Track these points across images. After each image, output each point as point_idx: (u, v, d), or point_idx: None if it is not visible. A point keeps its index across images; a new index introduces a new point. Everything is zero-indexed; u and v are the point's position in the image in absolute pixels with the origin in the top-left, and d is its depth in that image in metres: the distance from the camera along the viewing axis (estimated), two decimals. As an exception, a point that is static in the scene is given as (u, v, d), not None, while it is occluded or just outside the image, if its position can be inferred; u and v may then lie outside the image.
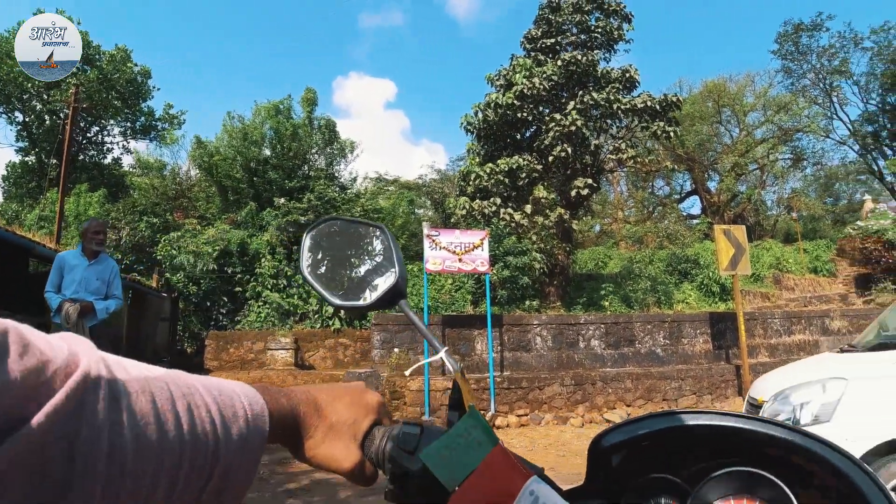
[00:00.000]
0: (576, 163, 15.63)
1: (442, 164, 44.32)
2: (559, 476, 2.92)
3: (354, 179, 23.56)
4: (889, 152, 28.95)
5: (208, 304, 16.25)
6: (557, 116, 14.91)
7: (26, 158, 27.19)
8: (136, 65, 27.27)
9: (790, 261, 20.98)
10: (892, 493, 0.65)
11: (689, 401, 10.89)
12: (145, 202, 19.66)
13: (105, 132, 28.65)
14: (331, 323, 14.26)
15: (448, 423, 0.71)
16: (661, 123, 15.60)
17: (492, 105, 15.42)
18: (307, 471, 6.65)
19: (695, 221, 29.03)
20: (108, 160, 28.47)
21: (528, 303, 13.54)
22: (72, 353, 0.44)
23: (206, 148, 20.02)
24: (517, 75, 15.52)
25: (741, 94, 31.37)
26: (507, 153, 16.00)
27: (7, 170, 27.33)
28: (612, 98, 15.33)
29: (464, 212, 14.96)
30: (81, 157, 27.03)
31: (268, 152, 20.04)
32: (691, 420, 0.76)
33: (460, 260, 10.09)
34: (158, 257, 16.25)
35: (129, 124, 28.69)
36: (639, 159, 16.59)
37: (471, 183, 15.39)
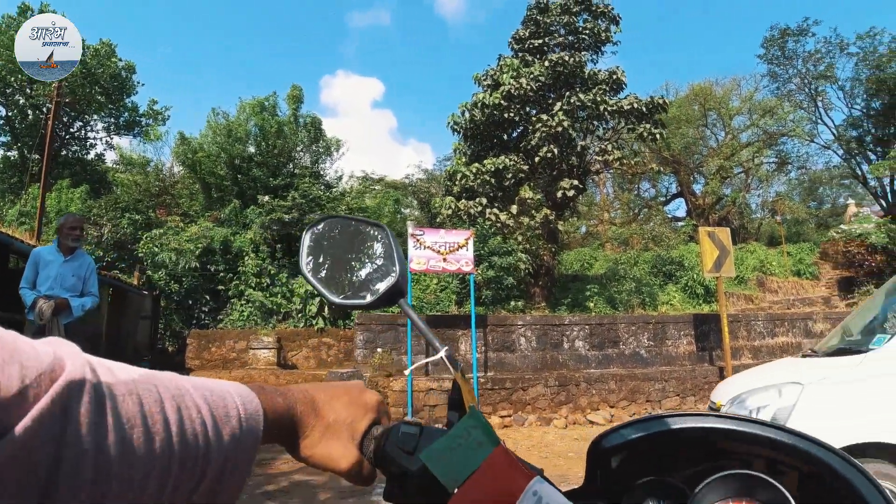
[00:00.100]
0: (562, 164, 15.63)
1: (429, 164, 44.34)
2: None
3: (340, 178, 23.44)
4: (873, 157, 29.18)
5: (190, 302, 16.10)
6: (544, 117, 14.90)
7: (8, 153, 26.81)
8: (120, 60, 26.95)
9: (774, 263, 21.10)
10: (889, 495, 0.65)
11: (673, 402, 10.91)
12: (128, 199, 19.44)
13: (88, 127, 28.29)
14: (314, 322, 14.15)
15: (448, 423, 0.72)
16: (648, 125, 15.63)
17: (479, 105, 15.38)
18: (286, 472, 6.58)
19: (680, 224, 29.17)
20: (91, 156, 28.14)
21: (512, 303, 13.51)
22: (57, 357, 0.43)
23: (190, 144, 19.83)
24: (504, 75, 15.49)
25: (727, 97, 31.56)
26: (493, 153, 15.96)
27: (-11, 165, 27.00)
28: (599, 99, 15.34)
29: (449, 211, 14.91)
30: (64, 152, 26.69)
31: (252, 149, 19.86)
32: (691, 423, 0.76)
33: (445, 260, 10.05)
34: (140, 255, 16.07)
35: (112, 120, 28.34)
36: (625, 161, 16.59)
37: (457, 183, 15.34)
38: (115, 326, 14.45)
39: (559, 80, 15.88)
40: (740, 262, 19.14)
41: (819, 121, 31.44)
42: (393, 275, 0.81)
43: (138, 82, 28.29)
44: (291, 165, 20.46)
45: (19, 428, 0.38)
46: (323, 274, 0.86)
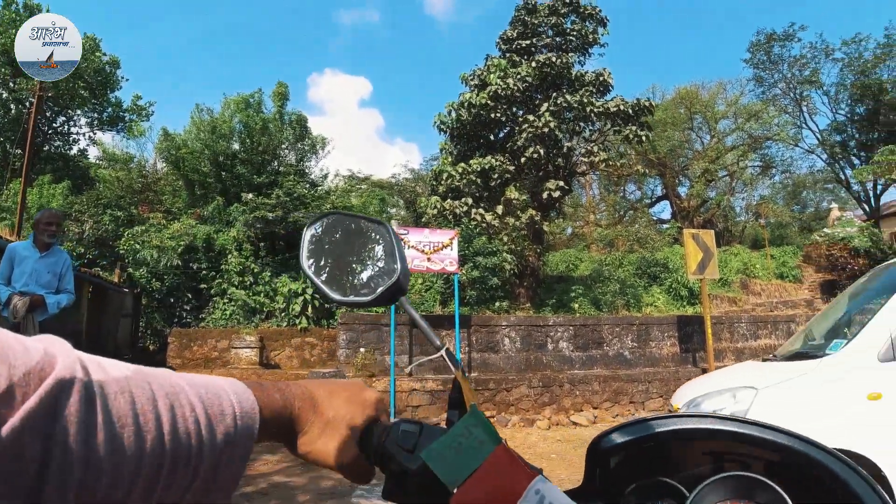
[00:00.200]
0: (548, 165, 15.63)
1: (416, 164, 44.15)
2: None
3: (325, 176, 23.25)
4: (856, 162, 29.50)
5: (172, 300, 15.92)
6: (531, 118, 14.89)
7: (-10, 148, 26.49)
8: (104, 54, 26.65)
9: (757, 266, 21.24)
10: (888, 497, 0.65)
11: (656, 404, 10.92)
12: (110, 195, 19.16)
13: (72, 122, 27.95)
14: (297, 322, 14.02)
15: (448, 422, 0.72)
16: (634, 128, 15.66)
17: (465, 104, 15.35)
18: (265, 473, 6.51)
19: (665, 226, 29.33)
20: (74, 151, 27.83)
21: (497, 304, 13.47)
22: (48, 354, 0.43)
23: (174, 140, 19.57)
24: (492, 75, 15.46)
25: (713, 101, 31.79)
26: (479, 153, 15.94)
27: (-31, 160, 26.59)
28: (586, 101, 15.35)
29: (435, 211, 14.87)
30: (47, 147, 26.37)
31: (237, 146, 19.63)
32: (689, 424, 0.76)
33: (429, 259, 10.01)
34: (121, 252, 15.88)
35: (96, 115, 27.98)
36: (611, 163, 16.63)
37: (443, 182, 15.30)
38: (95, 324, 14.27)
39: (546, 81, 15.88)
40: (724, 265, 19.24)
41: (803, 125, 31.82)
42: (394, 272, 0.81)
43: (122, 77, 28.01)
44: (276, 163, 20.28)
45: (7, 427, 0.38)
46: (324, 271, 0.86)
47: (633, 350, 12.34)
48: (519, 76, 15.20)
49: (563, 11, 16.68)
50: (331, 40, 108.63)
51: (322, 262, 0.87)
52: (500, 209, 14.74)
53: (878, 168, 22.49)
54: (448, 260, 10.11)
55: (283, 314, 14.40)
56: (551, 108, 14.98)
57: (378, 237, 0.86)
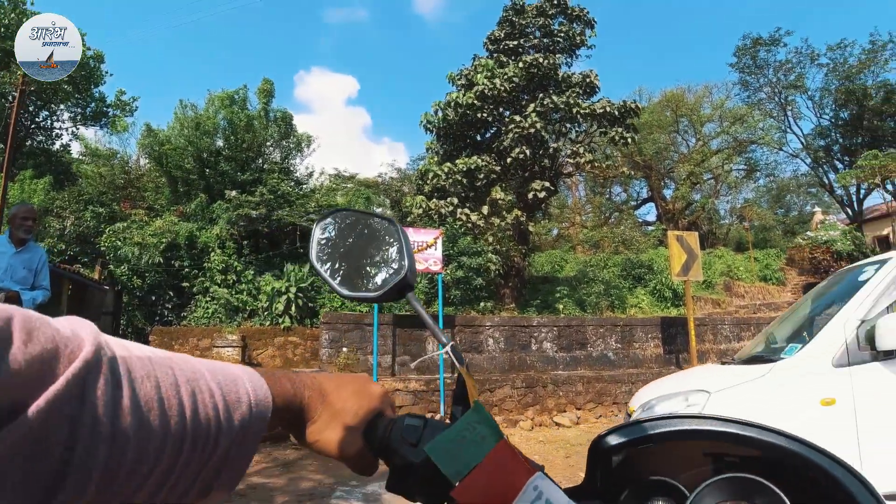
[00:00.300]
0: (534, 165, 15.63)
1: (402, 163, 43.99)
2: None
3: (311, 174, 23.08)
4: (840, 166, 29.75)
5: (153, 298, 15.71)
6: (517, 118, 14.89)
7: (-30, 142, 26.12)
8: (88, 49, 26.32)
9: (741, 269, 21.38)
10: (885, 500, 0.65)
11: (639, 406, 10.90)
12: (92, 191, 18.91)
13: (55, 117, 27.62)
14: (280, 321, 13.89)
15: (451, 417, 0.72)
16: (620, 129, 15.71)
17: (452, 104, 15.32)
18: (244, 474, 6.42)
19: (650, 228, 29.48)
20: (57, 146, 27.49)
21: (482, 304, 13.44)
22: (76, 336, 0.44)
23: (157, 137, 19.32)
24: (479, 75, 15.44)
25: (699, 104, 31.94)
26: (465, 153, 15.92)
27: (-52, 154, 26.18)
28: (572, 102, 15.38)
29: (420, 210, 14.83)
30: (29, 142, 26.04)
31: (221, 143, 19.39)
32: (691, 425, 0.77)
33: (413, 258, 9.94)
34: (103, 248, 15.66)
35: (79, 110, 27.65)
36: (596, 164, 16.66)
37: (428, 182, 15.26)
38: (74, 322, 14.06)
39: (533, 82, 15.88)
40: (708, 267, 19.33)
41: (788, 130, 32.03)
42: (402, 269, 0.82)
43: (106, 72, 27.70)
44: (260, 160, 20.08)
45: (35, 407, 0.38)
46: (333, 267, 0.87)
47: (616, 351, 12.35)
48: (506, 76, 15.20)
49: (551, 13, 16.71)
50: (318, 38, 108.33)
51: (331, 258, 0.88)
52: (485, 209, 14.72)
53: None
54: (432, 259, 10.07)
55: (266, 313, 14.27)
56: (538, 109, 14.99)
57: (387, 234, 0.87)
